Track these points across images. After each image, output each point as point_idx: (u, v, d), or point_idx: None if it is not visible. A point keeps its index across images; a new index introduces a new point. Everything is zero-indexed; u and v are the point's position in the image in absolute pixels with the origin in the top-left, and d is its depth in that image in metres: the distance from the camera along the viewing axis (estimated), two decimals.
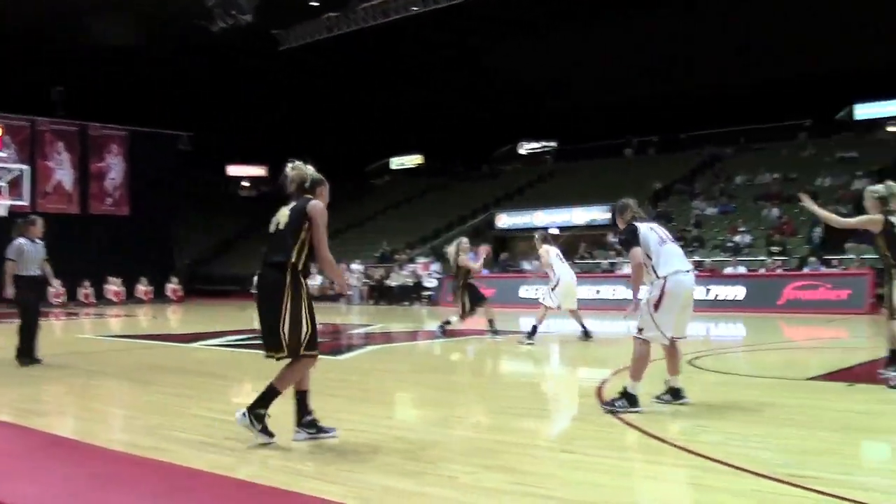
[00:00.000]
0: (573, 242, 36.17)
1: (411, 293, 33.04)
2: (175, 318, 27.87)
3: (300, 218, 6.72)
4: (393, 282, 34.17)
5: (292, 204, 6.95)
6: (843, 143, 40.41)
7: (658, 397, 8.36)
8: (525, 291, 29.56)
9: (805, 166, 37.83)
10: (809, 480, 5.49)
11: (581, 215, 39.41)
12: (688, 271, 8.34)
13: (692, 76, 47.23)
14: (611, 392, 8.96)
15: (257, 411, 6.71)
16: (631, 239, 8.30)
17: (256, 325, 6.96)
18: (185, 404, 8.97)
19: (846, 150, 38.70)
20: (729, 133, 44.52)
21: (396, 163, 59.28)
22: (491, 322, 16.68)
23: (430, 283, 33.06)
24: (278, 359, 6.73)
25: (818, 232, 29.64)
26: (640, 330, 8.16)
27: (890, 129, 42.15)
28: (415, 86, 50.51)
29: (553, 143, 53.85)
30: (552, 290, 15.97)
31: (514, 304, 28.21)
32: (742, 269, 27.45)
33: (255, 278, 7.51)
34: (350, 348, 15.82)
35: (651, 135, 48.34)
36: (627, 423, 7.38)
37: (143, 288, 38.06)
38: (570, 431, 7.34)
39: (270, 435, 6.70)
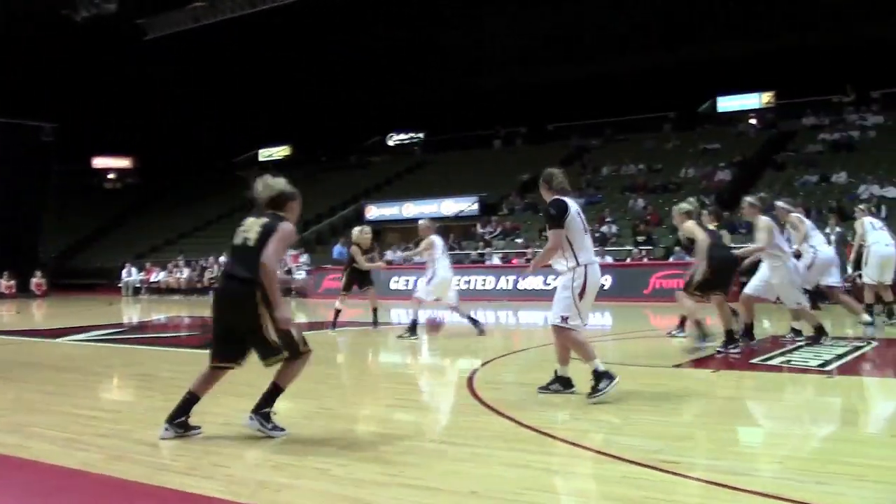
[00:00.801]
0: (442, 233, 36.27)
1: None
2: (40, 313, 26.97)
3: (269, 238, 6.61)
4: None
5: (263, 220, 6.87)
6: (706, 135, 41.52)
7: (546, 387, 8.40)
8: (395, 283, 29.52)
9: (670, 158, 38.70)
10: (677, 466, 5.57)
11: (450, 206, 39.55)
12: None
13: (559, 68, 47.87)
14: (481, 384, 9.00)
15: (264, 411, 6.71)
16: (558, 217, 8.05)
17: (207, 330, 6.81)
18: (52, 401, 8.66)
19: (709, 141, 39.80)
20: (596, 125, 45.22)
21: (265, 154, 58.53)
22: (375, 311, 16.94)
23: (299, 274, 32.73)
24: (276, 363, 6.75)
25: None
26: (565, 318, 8.05)
27: (751, 121, 43.42)
28: (282, 76, 50.02)
29: (421, 134, 53.90)
30: (427, 282, 15.77)
31: (385, 297, 28.10)
32: (609, 259, 27.89)
33: (214, 290, 7.30)
34: None
35: (519, 126, 48.78)
36: (499, 413, 7.38)
37: (5, 282, 36.81)
38: (442, 422, 7.33)
39: (282, 429, 6.69)
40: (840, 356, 10.81)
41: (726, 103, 45.73)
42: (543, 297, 25.85)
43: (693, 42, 45.56)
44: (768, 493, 4.91)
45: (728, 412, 7.67)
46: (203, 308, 25.59)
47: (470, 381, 9.22)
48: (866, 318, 13.51)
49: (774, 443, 6.68)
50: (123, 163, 59.10)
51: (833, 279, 13.63)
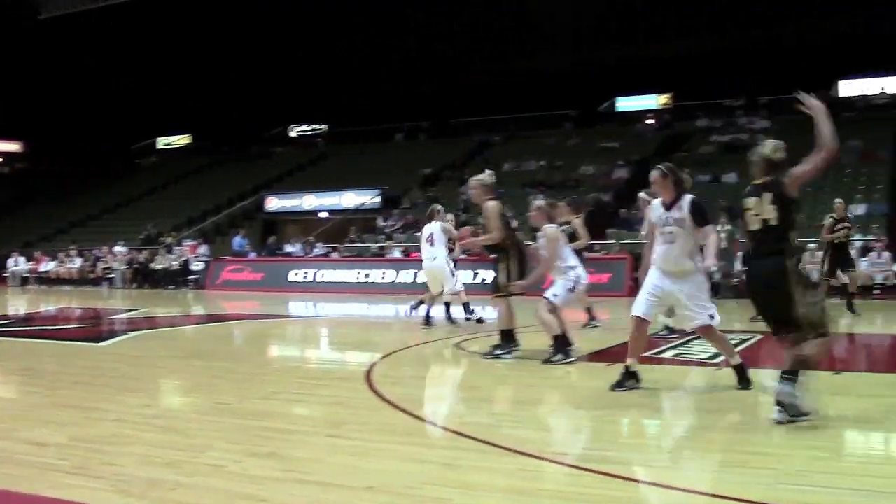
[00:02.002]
0: (343, 226, 36.20)
1: (177, 277, 32.18)
2: None
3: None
4: (158, 265, 33.17)
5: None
6: (606, 133, 42.18)
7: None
8: (294, 275, 29.34)
9: (570, 155, 39.20)
10: (571, 457, 5.69)
11: (351, 199, 39.47)
12: None
13: (463, 64, 48.08)
14: (379, 378, 9.04)
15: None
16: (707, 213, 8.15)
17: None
18: None
19: (608, 140, 40.41)
20: (498, 121, 45.54)
21: (163, 142, 57.59)
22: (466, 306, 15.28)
23: (197, 266, 32.29)
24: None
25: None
26: (712, 316, 8.24)
27: (648, 121, 44.22)
28: (183, 63, 49.24)
29: (324, 126, 53.67)
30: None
31: (283, 289, 27.99)
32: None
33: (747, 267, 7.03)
34: (111, 334, 15.26)
35: (422, 120, 48.87)
36: (396, 406, 7.43)
37: None
38: (338, 416, 7.31)
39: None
40: None
41: (625, 103, 46.68)
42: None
43: (594, 43, 46.24)
44: (656, 482, 5.09)
45: (618, 404, 7.82)
46: (93, 300, 25.14)
47: (368, 374, 9.24)
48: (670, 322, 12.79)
49: (661, 433, 6.88)
50: (12, 147, 57.37)
51: None
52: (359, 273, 28.57)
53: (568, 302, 10.65)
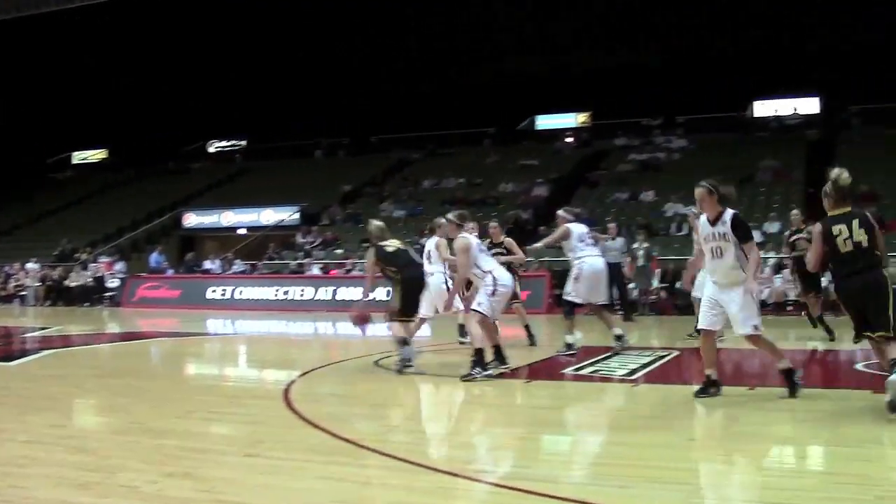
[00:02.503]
0: (262, 243, 35.92)
1: (92, 294, 31.60)
2: None
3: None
4: (73, 282, 32.53)
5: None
6: (525, 151, 42.45)
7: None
8: (212, 292, 29.02)
9: (489, 172, 39.39)
10: (489, 474, 5.71)
11: (270, 215, 39.19)
12: None
13: (383, 81, 48.15)
14: (298, 396, 8.97)
15: None
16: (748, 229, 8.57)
17: None
18: None
19: (527, 158, 40.69)
20: (418, 138, 45.66)
21: (79, 157, 56.61)
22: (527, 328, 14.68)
23: (112, 283, 31.72)
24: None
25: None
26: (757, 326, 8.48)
27: (567, 139, 44.68)
28: (100, 77, 48.52)
29: (243, 142, 53.29)
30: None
31: (201, 306, 27.67)
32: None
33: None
34: (23, 353, 14.91)
35: (341, 137, 48.78)
36: (314, 425, 7.38)
37: None
38: (255, 434, 7.24)
39: None
40: (645, 365, 11.28)
41: (545, 121, 47.16)
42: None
43: (514, 61, 46.62)
44: (574, 497, 5.10)
45: (538, 421, 7.87)
46: (5, 317, 24.60)
47: (286, 392, 9.17)
48: (617, 331, 12.94)
49: (581, 450, 6.94)
50: None
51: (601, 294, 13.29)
52: (277, 290, 28.38)
53: (494, 308, 10.69)
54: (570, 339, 12.64)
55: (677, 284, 23.26)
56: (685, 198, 31.42)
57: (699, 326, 8.76)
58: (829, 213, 7.85)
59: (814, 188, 31.90)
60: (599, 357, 12.13)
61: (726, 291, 8.48)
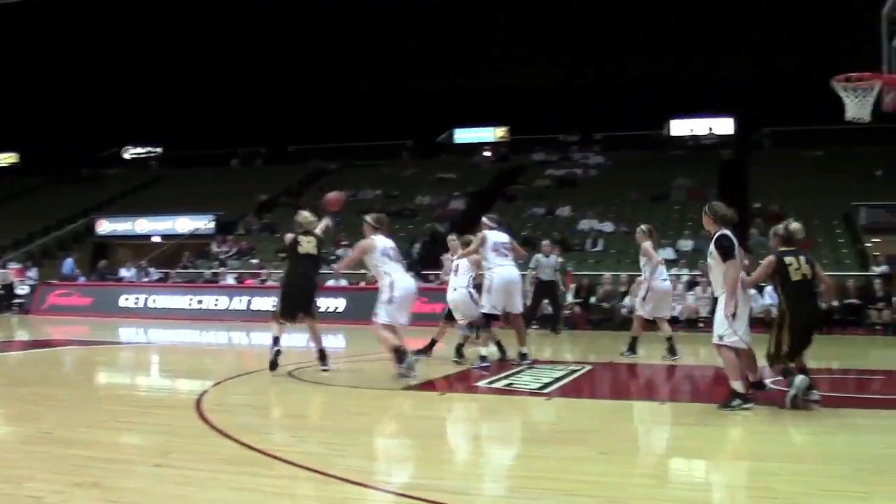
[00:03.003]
0: (176, 251, 35.50)
1: (1, 301, 30.88)
2: None
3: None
4: None
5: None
6: (443, 164, 42.61)
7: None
8: (125, 300, 28.57)
9: (406, 185, 39.45)
10: (401, 486, 5.72)
11: (185, 224, 38.74)
12: None
13: (301, 90, 48.00)
14: (210, 406, 8.90)
15: None
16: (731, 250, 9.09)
17: None
18: None
19: (445, 171, 40.83)
20: (335, 148, 45.53)
21: None
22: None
23: (22, 290, 31.02)
24: None
25: (417, 248, 31.00)
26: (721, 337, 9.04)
27: (485, 153, 44.95)
28: (10, 80, 47.53)
29: (159, 149, 52.60)
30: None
31: (114, 314, 27.23)
32: (343, 283, 28.06)
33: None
34: None
35: (258, 146, 48.44)
36: (225, 435, 7.32)
37: None
38: (165, 444, 7.14)
39: None
40: (558, 379, 11.39)
41: (463, 135, 47.34)
42: None
43: (433, 74, 46.82)
44: None
45: (449, 433, 7.92)
46: None
47: (198, 402, 9.07)
48: (524, 350, 13.08)
49: (492, 462, 6.97)
50: None
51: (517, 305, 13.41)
52: (191, 299, 28.05)
53: (392, 314, 11.17)
54: (484, 351, 12.71)
55: (591, 299, 23.56)
56: (601, 213, 31.97)
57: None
58: (780, 249, 9.18)
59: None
60: (513, 371, 12.23)
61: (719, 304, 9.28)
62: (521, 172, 40.62)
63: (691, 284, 24.78)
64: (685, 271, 25.59)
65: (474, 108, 45.36)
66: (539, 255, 21.61)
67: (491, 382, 11.04)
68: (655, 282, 13.97)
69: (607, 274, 24.98)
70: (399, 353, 10.89)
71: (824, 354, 8.81)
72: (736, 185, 35.20)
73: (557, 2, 45.33)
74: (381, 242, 11.47)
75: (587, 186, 37.28)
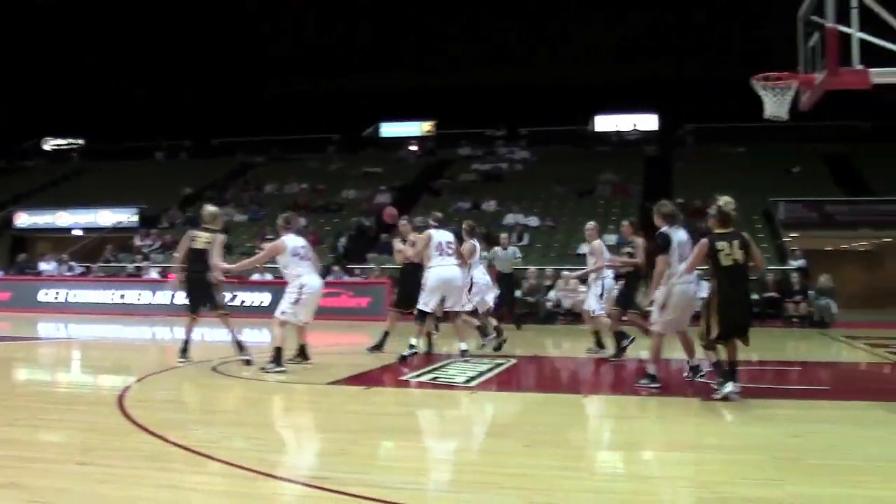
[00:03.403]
0: (98, 245, 34.96)
1: None
2: None
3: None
4: None
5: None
6: (369, 158, 42.54)
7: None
8: (45, 295, 28.08)
9: (333, 179, 39.34)
10: (329, 481, 5.71)
11: (108, 217, 38.16)
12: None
13: (227, 84, 47.64)
14: (133, 402, 8.80)
15: None
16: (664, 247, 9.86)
17: None
18: None
19: (371, 165, 40.79)
20: (261, 142, 45.21)
21: None
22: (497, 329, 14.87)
23: None
24: None
25: (343, 242, 30.93)
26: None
27: (411, 148, 44.98)
28: None
29: (81, 141, 51.71)
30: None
31: (33, 309, 26.73)
32: (269, 276, 27.89)
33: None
34: None
35: (183, 139, 47.88)
36: (149, 431, 7.25)
37: None
38: (87, 442, 7.05)
39: None
40: (483, 372, 11.46)
41: (389, 129, 47.31)
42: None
43: (359, 69, 46.73)
44: (410, 503, 5.17)
45: (375, 428, 7.93)
46: None
47: (121, 399, 8.97)
48: (463, 346, 13.01)
49: (418, 456, 6.99)
50: None
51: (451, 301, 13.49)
52: (114, 293, 27.67)
53: (296, 312, 11.38)
54: (413, 340, 12.78)
55: (516, 293, 23.66)
56: (526, 208, 32.19)
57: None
58: (715, 231, 9.07)
59: (650, 202, 33.27)
60: (439, 364, 12.29)
61: None
62: (447, 167, 40.76)
63: (617, 278, 25.02)
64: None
65: (401, 103, 45.37)
66: (497, 249, 21.72)
67: (417, 376, 11.08)
68: (608, 280, 14.09)
69: (532, 268, 25.12)
70: (278, 354, 11.17)
71: (744, 346, 8.98)
72: (660, 180, 35.70)
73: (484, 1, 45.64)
74: (292, 242, 11.57)
75: (513, 181, 37.54)
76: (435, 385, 10.57)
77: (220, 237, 12.30)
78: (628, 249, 13.78)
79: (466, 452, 7.04)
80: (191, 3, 44.89)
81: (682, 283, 9.70)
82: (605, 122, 45.45)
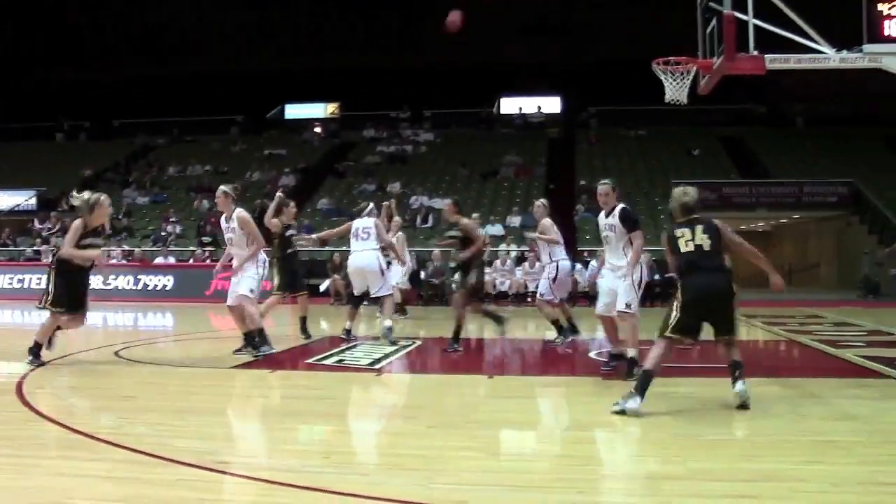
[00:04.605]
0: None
1: None
2: None
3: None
4: None
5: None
6: (273, 140, 42.28)
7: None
8: None
9: (236, 161, 38.99)
10: (231, 465, 5.72)
11: (4, 200, 37.25)
12: None
13: (132, 64, 46.92)
14: (33, 390, 8.66)
15: None
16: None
17: None
18: None
19: (275, 147, 40.55)
20: (163, 123, 44.54)
21: None
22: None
23: None
24: None
25: None
26: (629, 305, 9.51)
27: (315, 130, 44.77)
28: None
29: None
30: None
31: None
32: (172, 260, 27.59)
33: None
34: None
35: (83, 120, 46.89)
36: (49, 419, 7.16)
37: None
38: None
39: None
40: (388, 355, 11.53)
41: (294, 111, 47.02)
42: (102, 296, 25.21)
43: (263, 50, 46.33)
44: (315, 486, 5.20)
45: (281, 411, 7.94)
46: None
47: (20, 385, 8.82)
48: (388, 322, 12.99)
49: (324, 439, 7.02)
50: None
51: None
52: (12, 278, 27.07)
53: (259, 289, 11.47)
54: (348, 325, 13.20)
55: (422, 275, 23.73)
56: (430, 190, 32.30)
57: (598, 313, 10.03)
58: (675, 221, 8.54)
59: (554, 184, 33.67)
60: (344, 347, 12.31)
61: (615, 275, 9.77)
62: (351, 149, 40.69)
63: (520, 260, 25.31)
64: (513, 247, 26.11)
65: (305, 85, 45.15)
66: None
67: (322, 359, 11.09)
68: (564, 263, 13.36)
69: (437, 250, 25.20)
70: (250, 339, 11.30)
71: (646, 326, 9.15)
72: (563, 162, 36.13)
73: None
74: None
75: (417, 163, 37.65)
76: (340, 368, 10.59)
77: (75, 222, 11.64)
78: (454, 233, 13.05)
79: (370, 435, 7.10)
80: None
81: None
82: (509, 105, 45.74)
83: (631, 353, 9.47)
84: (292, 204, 14.53)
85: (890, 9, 11.20)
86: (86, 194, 10.70)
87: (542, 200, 13.21)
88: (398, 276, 16.21)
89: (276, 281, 13.63)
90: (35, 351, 10.46)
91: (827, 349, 10.46)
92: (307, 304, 14.18)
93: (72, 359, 11.37)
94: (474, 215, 22.75)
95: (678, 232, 8.31)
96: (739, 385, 7.78)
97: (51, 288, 10.68)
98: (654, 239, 27.26)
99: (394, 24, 46.22)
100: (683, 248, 8.19)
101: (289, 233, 13.70)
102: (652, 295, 22.24)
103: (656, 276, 23.02)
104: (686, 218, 8.35)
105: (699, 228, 8.22)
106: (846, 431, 6.93)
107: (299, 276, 13.76)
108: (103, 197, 10.65)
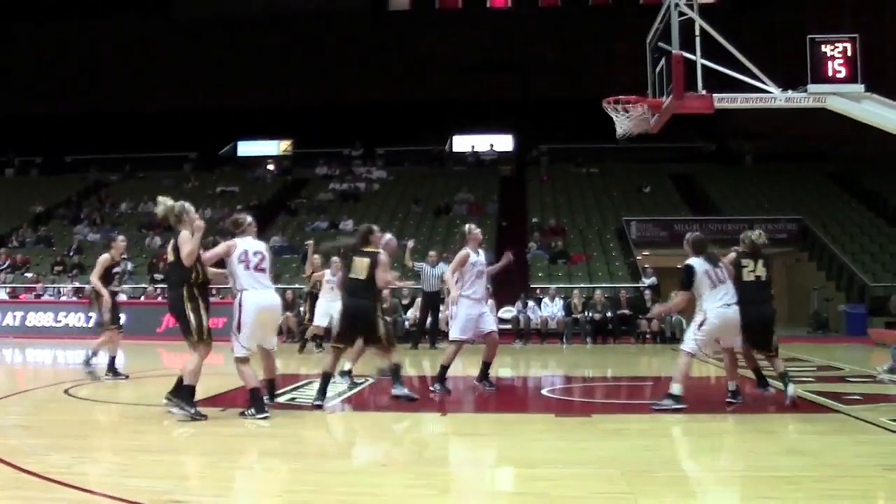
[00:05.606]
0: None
1: None
2: None
3: None
4: None
5: None
6: (226, 177, 42.16)
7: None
8: None
9: (189, 197, 38.41)
10: None
11: None
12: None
13: (82, 100, 46.67)
14: None
15: None
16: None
17: None
18: None
19: (228, 184, 40.40)
20: (115, 159, 44.21)
21: None
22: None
23: None
24: None
25: None
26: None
27: (268, 167, 44.76)
28: None
29: None
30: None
31: None
32: (123, 297, 27.32)
33: None
34: None
35: (34, 156, 46.46)
36: None
37: None
38: None
39: None
40: (341, 393, 11.50)
41: (246, 148, 47.03)
42: (52, 334, 24.87)
43: (216, 88, 46.31)
44: None
45: (234, 450, 7.90)
46: None
47: None
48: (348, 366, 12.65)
49: (276, 478, 6.99)
50: None
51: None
52: None
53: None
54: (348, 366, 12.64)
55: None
56: (384, 227, 32.26)
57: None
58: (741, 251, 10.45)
59: (507, 221, 33.89)
60: (298, 384, 12.28)
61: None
62: (304, 186, 40.68)
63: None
64: None
65: (258, 122, 45.18)
66: (424, 265, 21.55)
67: (273, 398, 11.03)
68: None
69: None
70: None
71: (599, 363, 9.19)
72: (515, 199, 36.37)
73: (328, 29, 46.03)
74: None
75: (370, 200, 37.72)
76: (292, 406, 10.55)
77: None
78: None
79: (321, 474, 7.08)
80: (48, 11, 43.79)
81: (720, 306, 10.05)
82: (462, 143, 46.03)
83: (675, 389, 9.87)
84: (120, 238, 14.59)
85: (833, 50, 11.47)
86: (168, 200, 10.49)
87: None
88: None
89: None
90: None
91: (778, 385, 10.58)
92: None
93: (20, 396, 11.24)
94: (431, 253, 22.91)
95: (744, 261, 10.24)
96: (791, 388, 9.99)
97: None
98: (607, 276, 27.67)
99: (347, 62, 46.37)
100: (746, 278, 10.11)
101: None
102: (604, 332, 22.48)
103: (608, 314, 23.25)
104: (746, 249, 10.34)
105: (760, 262, 10.28)
106: (796, 466, 7.03)
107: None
108: (188, 205, 10.34)
